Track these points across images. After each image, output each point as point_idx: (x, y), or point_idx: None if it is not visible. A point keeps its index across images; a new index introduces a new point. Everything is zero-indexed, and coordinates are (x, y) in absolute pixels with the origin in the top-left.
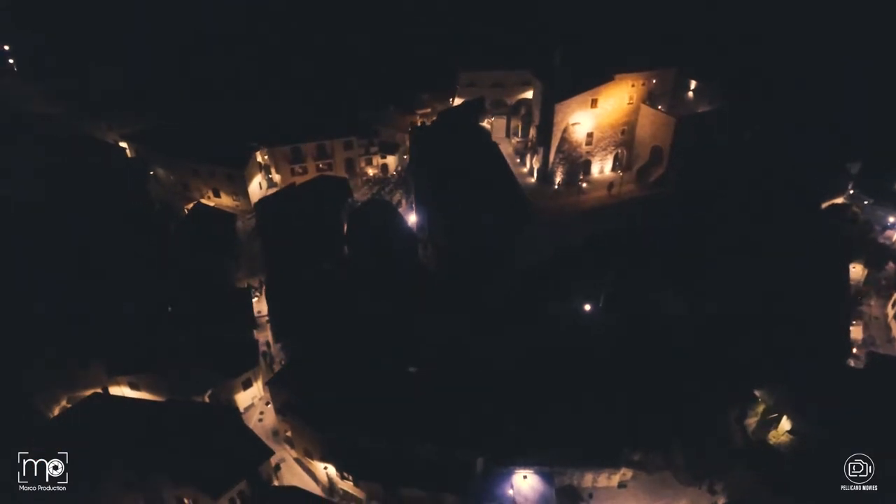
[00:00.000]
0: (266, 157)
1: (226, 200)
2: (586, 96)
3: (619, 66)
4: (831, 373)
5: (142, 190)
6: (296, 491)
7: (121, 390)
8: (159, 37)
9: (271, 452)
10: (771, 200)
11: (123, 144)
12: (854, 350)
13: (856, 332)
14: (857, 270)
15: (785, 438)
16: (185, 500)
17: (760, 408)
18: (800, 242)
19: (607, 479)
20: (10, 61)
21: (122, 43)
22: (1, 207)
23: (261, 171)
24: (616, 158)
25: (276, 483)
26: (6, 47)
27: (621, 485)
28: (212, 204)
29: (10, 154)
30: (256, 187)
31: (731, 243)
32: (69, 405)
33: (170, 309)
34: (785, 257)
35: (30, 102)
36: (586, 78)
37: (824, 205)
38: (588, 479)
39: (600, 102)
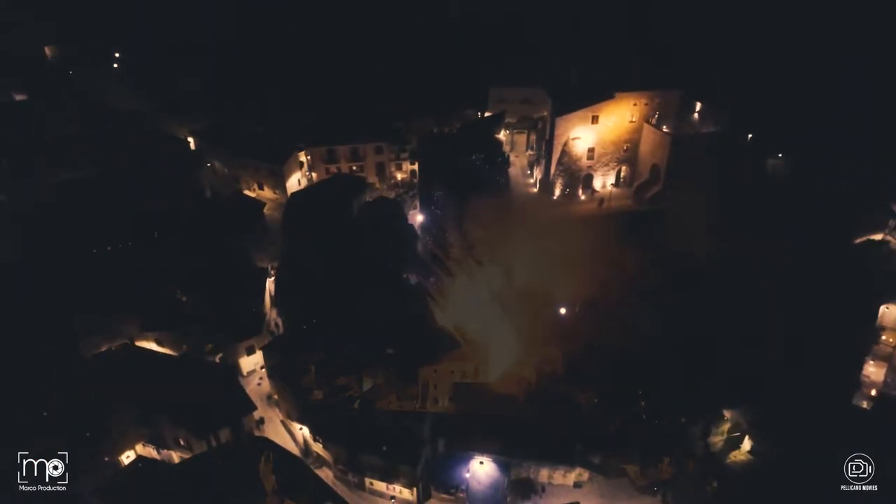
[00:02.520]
0: (308, 156)
1: (267, 193)
2: (587, 112)
3: (621, 85)
4: (811, 403)
5: (195, 179)
6: (266, 441)
7: (148, 344)
8: (227, 44)
9: (254, 408)
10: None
11: (191, 139)
12: (873, 391)
13: (876, 372)
14: (892, 311)
15: (744, 458)
16: (180, 440)
17: (726, 426)
18: (814, 272)
19: (563, 477)
20: (115, 66)
21: (202, 49)
22: (82, 186)
23: (300, 169)
24: (619, 174)
25: (256, 434)
26: (116, 54)
27: (577, 484)
28: (253, 195)
29: (95, 143)
30: (295, 183)
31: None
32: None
33: (195, 279)
34: (796, 286)
35: (122, 100)
36: (588, 95)
37: (858, 240)
38: (544, 475)
39: (601, 119)
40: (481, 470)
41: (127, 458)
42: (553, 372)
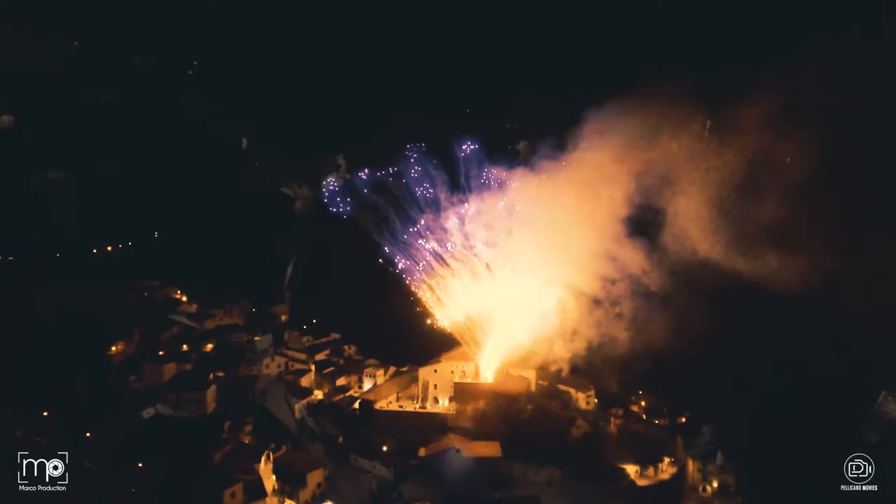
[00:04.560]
0: (344, 159)
1: (304, 191)
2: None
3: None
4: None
5: (235, 175)
6: (262, 409)
7: (179, 318)
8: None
9: (256, 379)
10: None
11: (244, 139)
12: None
13: None
14: None
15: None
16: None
17: (703, 439)
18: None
19: (535, 474)
20: (189, 72)
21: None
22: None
23: (337, 171)
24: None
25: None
26: (195, 62)
27: (549, 483)
28: (290, 192)
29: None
30: (331, 183)
31: None
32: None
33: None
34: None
35: (190, 103)
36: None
37: None
38: (518, 470)
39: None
40: (458, 459)
41: (147, 414)
42: (558, 371)
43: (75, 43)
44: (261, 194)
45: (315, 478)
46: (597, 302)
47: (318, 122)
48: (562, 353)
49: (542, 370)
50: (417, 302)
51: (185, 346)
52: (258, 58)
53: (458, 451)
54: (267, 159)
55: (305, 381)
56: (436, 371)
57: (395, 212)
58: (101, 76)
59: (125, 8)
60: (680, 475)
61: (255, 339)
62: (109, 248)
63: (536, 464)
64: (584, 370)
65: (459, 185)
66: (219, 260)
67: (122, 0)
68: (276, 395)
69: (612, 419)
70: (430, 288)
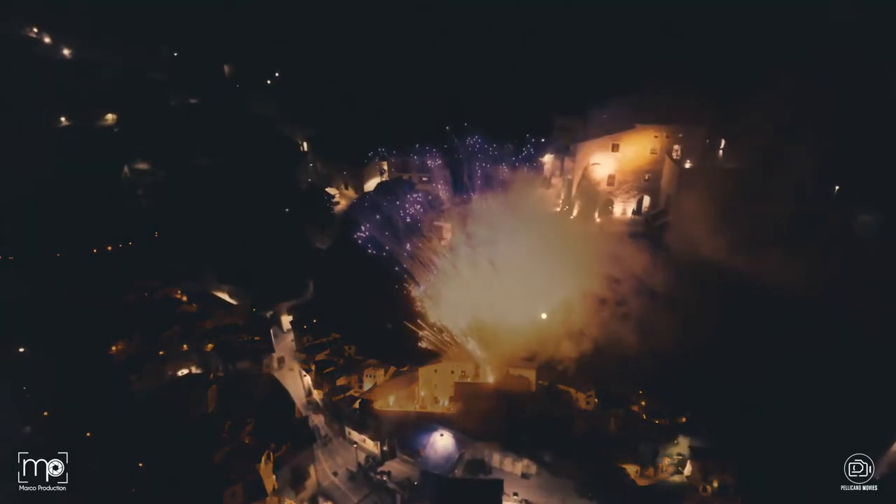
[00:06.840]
0: (387, 165)
1: (350, 192)
2: (606, 140)
3: (642, 117)
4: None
5: (292, 175)
6: (273, 384)
7: (221, 294)
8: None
9: (272, 350)
10: None
11: (305, 143)
12: None
13: None
14: None
15: (682, 480)
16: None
17: (675, 450)
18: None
19: (511, 465)
20: (269, 82)
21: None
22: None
23: (381, 175)
24: (640, 203)
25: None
26: (276, 74)
27: (524, 475)
28: (335, 192)
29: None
30: (372, 185)
31: None
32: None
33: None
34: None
35: (263, 107)
36: (609, 124)
37: None
38: (496, 459)
39: (622, 148)
40: (440, 442)
41: (181, 373)
42: (560, 371)
43: (175, 53)
44: (308, 192)
45: (315, 478)
46: (602, 301)
47: (369, 127)
48: (569, 353)
49: (543, 370)
50: (418, 302)
51: (185, 346)
52: (326, 69)
53: (441, 434)
54: (322, 160)
55: (306, 381)
56: (436, 371)
57: (397, 212)
58: (192, 82)
59: (219, 23)
60: (680, 475)
61: (282, 317)
62: (109, 248)
63: (513, 454)
64: (589, 370)
65: (462, 184)
66: (222, 259)
67: (218, 17)
68: (294, 370)
69: (612, 419)
70: (432, 287)
